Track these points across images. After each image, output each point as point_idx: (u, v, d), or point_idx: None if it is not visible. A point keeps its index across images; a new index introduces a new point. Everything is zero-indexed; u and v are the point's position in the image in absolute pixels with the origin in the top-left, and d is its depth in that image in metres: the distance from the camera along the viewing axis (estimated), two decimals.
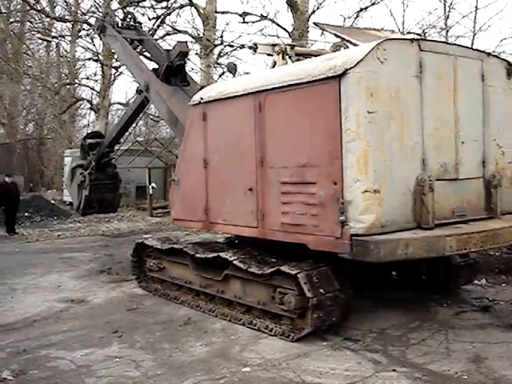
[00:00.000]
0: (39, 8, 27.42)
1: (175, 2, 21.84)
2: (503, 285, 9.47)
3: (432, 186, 6.63)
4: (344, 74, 6.31)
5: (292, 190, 7.09)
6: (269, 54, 9.31)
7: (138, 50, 13.91)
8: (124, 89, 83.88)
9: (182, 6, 21.91)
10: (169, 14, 22.42)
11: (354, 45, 7.94)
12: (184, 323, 7.80)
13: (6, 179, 18.50)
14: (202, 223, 8.84)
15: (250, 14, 19.64)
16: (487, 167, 7.66)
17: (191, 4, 21.16)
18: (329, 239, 6.54)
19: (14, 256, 14.02)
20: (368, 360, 6.19)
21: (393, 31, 10.41)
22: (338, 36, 9.51)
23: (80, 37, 30.52)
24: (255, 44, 9.63)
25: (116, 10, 24.71)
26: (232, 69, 10.08)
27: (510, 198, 7.93)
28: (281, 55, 8.89)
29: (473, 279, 9.18)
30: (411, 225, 6.62)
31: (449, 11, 17.72)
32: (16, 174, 35.16)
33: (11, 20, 34.95)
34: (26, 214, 21.62)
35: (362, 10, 19.13)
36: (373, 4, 19.03)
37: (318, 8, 18.94)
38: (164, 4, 22.15)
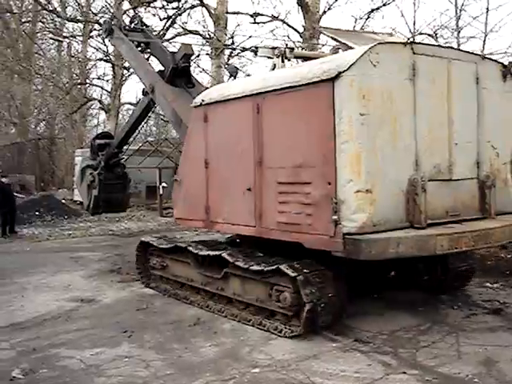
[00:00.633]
0: (51, 8, 27.56)
1: (186, 2, 21.83)
2: None
3: (424, 186, 6.78)
4: (337, 77, 6.47)
5: (288, 189, 7.26)
6: (269, 57, 9.44)
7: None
8: (135, 89, 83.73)
9: (192, 7, 21.90)
10: (180, 15, 22.42)
11: (351, 48, 8.02)
12: (193, 323, 7.79)
13: (3, 180, 18.21)
14: (202, 222, 9.03)
15: (261, 14, 19.58)
16: (481, 168, 7.78)
17: (202, 4, 21.15)
18: (323, 238, 6.69)
19: (25, 255, 14.09)
20: (378, 362, 6.16)
21: (391, 34, 10.43)
22: (334, 39, 9.61)
23: (91, 37, 30.76)
24: (256, 47, 9.90)
25: (127, 10, 24.87)
26: (233, 71, 10.27)
27: (505, 198, 8.09)
28: (280, 58, 9.03)
29: (469, 281, 9.26)
30: (404, 224, 6.78)
31: (460, 12, 17.61)
32: (11, 174, 35.48)
33: (23, 20, 35.20)
34: (37, 214, 21.69)
35: (373, 10, 19.05)
36: (384, 5, 18.93)
37: (329, 9, 18.88)
38: (175, 4, 22.14)
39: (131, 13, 23.77)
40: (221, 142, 8.53)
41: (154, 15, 22.83)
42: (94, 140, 15.02)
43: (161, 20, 22.51)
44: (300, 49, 17.70)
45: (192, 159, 9.20)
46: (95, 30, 28.78)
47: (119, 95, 30.44)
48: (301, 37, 17.87)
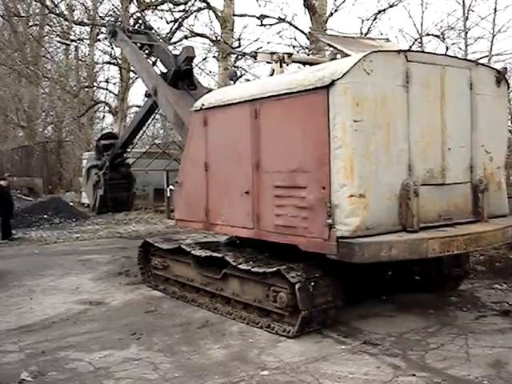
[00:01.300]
0: (58, 12, 27.68)
1: (193, 5, 21.87)
2: None
3: (417, 190, 6.92)
4: (331, 84, 6.64)
5: (284, 193, 7.44)
6: (268, 62, 9.61)
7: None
8: (142, 92, 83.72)
9: (199, 9, 21.93)
10: (186, 17, 22.46)
11: (346, 55, 8.18)
12: (202, 326, 7.80)
13: (1, 183, 18.01)
14: (202, 224, 9.23)
15: (268, 16, 19.57)
16: (475, 172, 7.94)
17: (209, 7, 21.18)
18: (317, 241, 6.87)
19: (33, 258, 14.12)
20: (387, 364, 6.15)
21: (387, 40, 10.49)
22: (331, 46, 9.73)
23: (98, 40, 30.82)
24: (255, 52, 10.12)
25: (134, 13, 24.91)
26: (233, 76, 10.46)
27: (498, 201, 8.28)
28: (278, 63, 9.20)
29: (467, 271, 9.40)
30: (397, 228, 6.94)
31: (468, 13, 17.53)
32: (20, 177, 35.63)
33: (30, 24, 35.36)
34: (45, 216, 21.74)
35: (380, 12, 18.97)
36: (391, 6, 18.86)
37: (335, 10, 18.84)
38: (182, 7, 22.20)
39: (140, 15, 23.91)
40: (220, 145, 8.72)
41: (161, 18, 22.96)
42: (98, 141, 15.31)
43: (168, 23, 22.58)
44: (307, 50, 17.75)
45: (192, 162, 9.42)
46: (102, 33, 28.80)
47: (126, 98, 30.49)
48: (308, 39, 17.86)
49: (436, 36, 18.36)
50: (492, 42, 16.82)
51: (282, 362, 6.30)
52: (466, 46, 17.23)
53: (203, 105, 9.08)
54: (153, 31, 14.65)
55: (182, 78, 11.95)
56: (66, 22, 29.52)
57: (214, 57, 22.22)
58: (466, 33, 17.39)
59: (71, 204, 24.64)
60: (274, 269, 7.26)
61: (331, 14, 18.53)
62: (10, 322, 8.27)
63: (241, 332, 7.47)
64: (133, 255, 13.40)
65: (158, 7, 22.99)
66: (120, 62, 28.06)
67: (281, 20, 19.29)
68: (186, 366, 6.31)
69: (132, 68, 26.37)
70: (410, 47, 18.63)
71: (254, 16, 20.11)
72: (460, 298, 8.80)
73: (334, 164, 6.67)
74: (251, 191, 7.98)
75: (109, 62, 30.17)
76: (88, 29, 30.81)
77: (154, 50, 13.51)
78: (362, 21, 19.01)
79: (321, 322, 7.29)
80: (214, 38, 21.77)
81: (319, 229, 6.84)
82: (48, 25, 33.39)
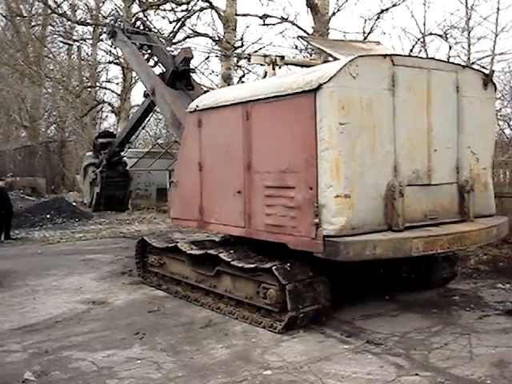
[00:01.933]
0: (60, 12, 27.64)
1: (195, 4, 21.84)
2: None
3: (402, 191, 7.11)
4: (318, 88, 6.84)
5: (274, 193, 7.65)
6: (261, 65, 9.83)
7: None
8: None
9: (202, 9, 21.88)
10: (189, 17, 22.42)
11: (336, 58, 8.32)
12: (205, 325, 7.80)
13: (0, 183, 17.99)
14: (196, 222, 9.48)
15: (271, 16, 19.57)
16: (461, 173, 8.10)
17: (211, 7, 21.15)
18: (305, 239, 7.07)
19: (36, 257, 14.13)
20: (390, 364, 6.15)
21: (378, 43, 10.63)
22: (321, 49, 9.86)
23: (101, 40, 30.78)
24: (249, 54, 10.58)
25: (136, 13, 24.91)
26: (227, 78, 10.66)
27: (485, 201, 8.48)
28: (271, 66, 9.47)
29: (456, 273, 9.63)
30: (382, 227, 7.12)
31: (470, 12, 17.51)
32: (22, 177, 35.61)
33: (33, 24, 35.38)
34: (48, 216, 21.76)
35: (382, 11, 18.95)
36: (394, 5, 18.86)
37: (338, 10, 18.85)
38: (184, 7, 22.17)
39: (141, 15, 23.90)
40: (213, 146, 8.96)
41: (163, 17, 22.85)
42: (96, 139, 15.44)
43: (170, 22, 22.53)
44: (311, 50, 17.74)
45: (187, 162, 9.66)
46: (105, 32, 28.80)
47: (129, 98, 30.51)
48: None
49: (439, 35, 18.37)
50: (495, 41, 16.83)
51: (285, 362, 6.30)
52: (469, 46, 17.24)
53: (197, 106, 9.30)
54: (152, 32, 14.76)
55: (179, 78, 12.15)
56: (69, 22, 29.53)
57: (216, 56, 22.19)
58: (469, 32, 17.41)
59: (74, 204, 24.65)
60: (267, 266, 7.44)
61: (334, 13, 18.55)
62: (14, 322, 8.28)
63: (244, 332, 7.47)
64: None
65: (161, 7, 22.96)
66: (123, 61, 28.05)
67: (283, 20, 19.30)
68: (189, 366, 6.31)
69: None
70: (413, 46, 18.66)
71: (256, 16, 20.10)
72: (463, 298, 8.79)
73: (321, 165, 6.87)
74: (243, 191, 8.19)
75: (111, 62, 30.15)
76: (91, 29, 30.88)
77: (153, 50, 13.67)
78: (365, 20, 19.03)
79: (308, 321, 7.42)
80: (217, 38, 21.75)
81: (307, 228, 7.03)
82: (51, 25, 33.45)
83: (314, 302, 7.38)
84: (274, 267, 7.31)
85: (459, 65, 8.79)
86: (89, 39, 31.89)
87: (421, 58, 8.52)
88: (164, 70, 12.73)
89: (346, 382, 5.73)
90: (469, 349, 6.55)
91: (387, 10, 18.86)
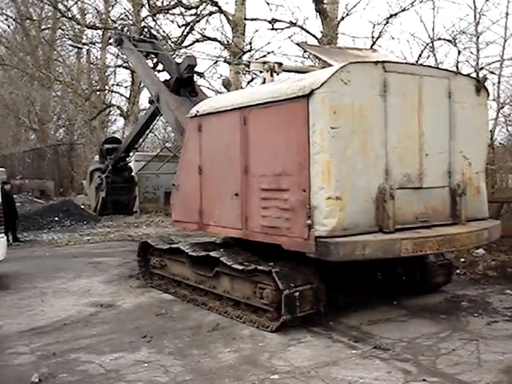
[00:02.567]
0: (70, 15, 27.80)
1: (204, 9, 21.91)
2: None
3: (393, 194, 7.31)
4: (311, 93, 7.07)
5: (269, 196, 7.87)
6: (260, 71, 10.13)
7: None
8: None
9: (211, 13, 21.96)
10: (198, 21, 22.51)
11: (330, 65, 8.46)
12: (212, 329, 7.80)
13: (6, 187, 17.70)
14: (196, 224, 9.70)
15: (279, 20, 19.54)
16: (453, 177, 8.28)
17: (220, 11, 21.19)
18: (298, 240, 7.29)
19: (44, 260, 14.19)
20: (398, 369, 6.12)
21: (374, 50, 10.78)
22: (316, 56, 10.01)
23: (110, 44, 30.84)
24: (248, 61, 10.46)
25: (145, 17, 25.02)
26: (227, 84, 10.88)
27: (478, 205, 8.68)
28: (269, 72, 9.69)
29: (450, 279, 9.68)
30: (374, 229, 7.32)
31: (479, 17, 17.46)
32: (31, 180, 35.68)
33: (43, 27, 35.57)
34: (56, 219, 21.85)
35: (391, 16, 18.89)
36: (403, 10, 18.78)
37: (347, 15, 18.78)
38: (193, 11, 22.24)
39: (149, 20, 24.01)
40: (213, 150, 9.20)
41: (172, 22, 22.96)
42: (102, 144, 15.69)
43: (179, 27, 22.66)
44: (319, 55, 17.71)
45: (188, 166, 9.92)
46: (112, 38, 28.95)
47: (138, 101, 30.60)
48: (319, 43, 17.84)
49: (448, 40, 18.30)
50: (504, 46, 16.77)
51: (293, 366, 6.29)
52: (478, 51, 17.19)
53: (198, 111, 9.58)
54: (158, 40, 15.02)
55: (183, 85, 12.45)
56: (78, 26, 29.69)
57: (225, 61, 22.22)
58: (478, 37, 17.36)
59: (82, 207, 24.71)
60: (267, 269, 7.61)
61: (342, 18, 18.49)
62: (22, 324, 8.31)
63: (251, 336, 7.47)
64: None
65: (170, 11, 23.05)
66: (131, 65, 28.13)
67: (292, 24, 19.28)
68: (196, 370, 6.32)
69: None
70: (422, 51, 18.62)
71: (265, 20, 20.09)
72: (471, 304, 8.76)
73: (314, 168, 7.08)
74: (240, 193, 8.42)
75: (120, 66, 30.26)
76: (100, 32, 30.99)
77: (159, 57, 13.99)
78: (374, 25, 18.97)
79: (302, 322, 7.64)
80: (226, 42, 21.79)
81: (300, 229, 7.24)
82: (60, 28, 33.66)
83: (309, 308, 7.57)
84: (274, 269, 7.52)
85: (451, 71, 9.04)
86: (98, 43, 32.07)
87: (412, 64, 8.85)
88: (169, 77, 12.92)
89: None
90: (477, 355, 6.52)
91: (396, 14, 18.79)
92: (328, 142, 6.98)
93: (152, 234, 18.96)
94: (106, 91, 33.50)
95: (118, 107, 32.38)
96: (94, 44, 32.31)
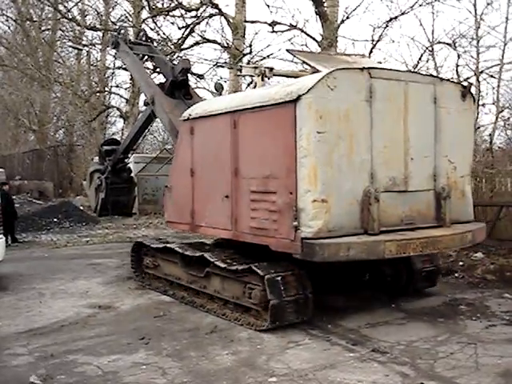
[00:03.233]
0: (70, 17, 27.80)
1: (204, 11, 21.91)
2: None
3: (378, 197, 7.48)
4: (298, 99, 7.26)
5: (258, 198, 8.08)
6: (251, 76, 10.34)
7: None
8: None
9: (211, 16, 21.94)
10: (198, 24, 22.49)
11: (318, 71, 8.54)
12: (210, 331, 7.80)
13: (4, 188, 17.77)
14: (188, 225, 9.95)
15: (280, 23, 19.53)
16: (438, 181, 8.46)
17: (221, 13, 21.20)
18: (285, 241, 7.49)
19: (43, 261, 14.18)
20: (396, 372, 6.13)
21: (363, 55, 10.91)
22: (305, 63, 10.15)
23: None
24: (240, 66, 11.24)
25: (146, 19, 25.04)
26: (219, 88, 11.05)
27: (463, 208, 8.86)
28: (260, 77, 9.89)
29: (435, 283, 9.83)
30: (359, 231, 7.50)
31: (479, 21, 17.52)
32: (30, 181, 35.65)
33: (43, 28, 35.55)
34: (55, 220, 21.83)
35: (391, 19, 18.92)
36: (402, 14, 18.82)
37: (347, 18, 18.79)
38: (193, 13, 22.24)
39: (150, 21, 24.03)
40: (204, 152, 9.44)
41: (172, 24, 22.94)
42: (101, 146, 15.80)
43: (179, 29, 22.61)
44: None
45: (180, 168, 10.15)
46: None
47: (137, 103, 30.58)
48: (319, 45, 17.86)
49: (447, 44, 18.36)
50: (504, 50, 16.83)
51: (290, 369, 6.29)
52: (478, 55, 17.24)
53: (190, 115, 9.80)
54: (155, 43, 15.16)
55: (178, 87, 12.58)
56: (79, 27, 29.65)
57: (225, 63, 22.24)
58: (478, 41, 17.41)
59: (81, 208, 24.72)
60: (246, 266, 7.89)
61: (342, 21, 18.50)
62: (20, 325, 8.31)
63: (249, 338, 7.47)
64: None
65: (170, 13, 23.05)
66: (127, 68, 28.14)
67: (292, 27, 19.29)
68: (194, 372, 6.31)
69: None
70: (422, 55, 18.66)
71: (265, 22, 20.09)
72: (470, 307, 8.77)
73: (300, 171, 7.27)
74: (231, 195, 8.62)
75: (120, 67, 30.25)
76: (100, 34, 30.97)
77: (155, 60, 14.19)
78: (374, 28, 19.01)
79: (294, 314, 7.70)
80: (226, 45, 21.80)
81: (287, 230, 7.44)
82: (60, 29, 33.54)
83: (295, 294, 7.66)
84: (254, 264, 7.78)
85: (437, 77, 9.33)
86: (98, 44, 32.03)
87: (398, 70, 8.85)
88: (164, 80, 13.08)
89: None
90: (475, 358, 6.52)
91: (396, 18, 18.82)
92: (314, 146, 7.17)
93: (151, 235, 18.95)
94: (106, 93, 33.49)
95: (118, 109, 32.36)
96: (94, 45, 32.30)
